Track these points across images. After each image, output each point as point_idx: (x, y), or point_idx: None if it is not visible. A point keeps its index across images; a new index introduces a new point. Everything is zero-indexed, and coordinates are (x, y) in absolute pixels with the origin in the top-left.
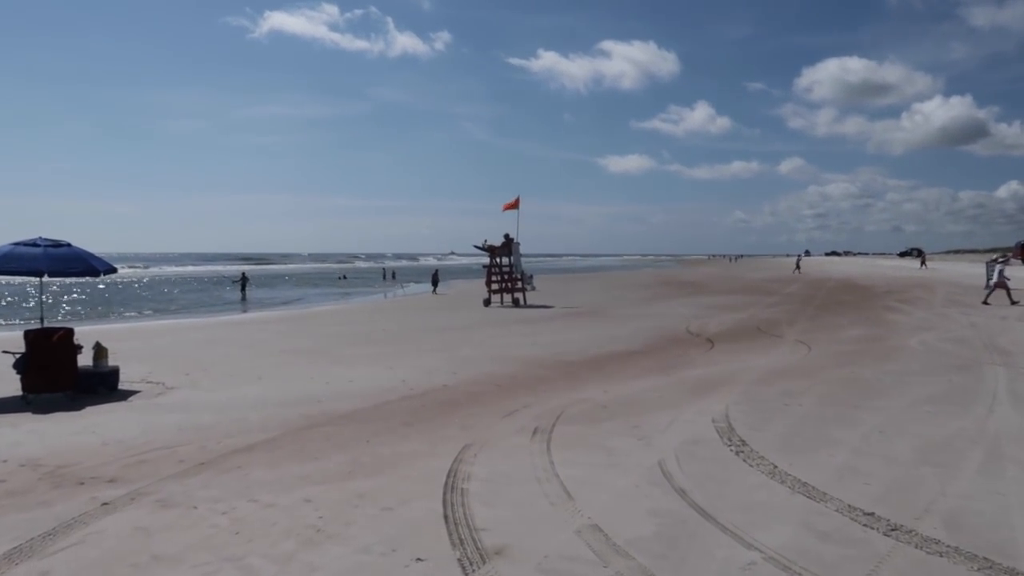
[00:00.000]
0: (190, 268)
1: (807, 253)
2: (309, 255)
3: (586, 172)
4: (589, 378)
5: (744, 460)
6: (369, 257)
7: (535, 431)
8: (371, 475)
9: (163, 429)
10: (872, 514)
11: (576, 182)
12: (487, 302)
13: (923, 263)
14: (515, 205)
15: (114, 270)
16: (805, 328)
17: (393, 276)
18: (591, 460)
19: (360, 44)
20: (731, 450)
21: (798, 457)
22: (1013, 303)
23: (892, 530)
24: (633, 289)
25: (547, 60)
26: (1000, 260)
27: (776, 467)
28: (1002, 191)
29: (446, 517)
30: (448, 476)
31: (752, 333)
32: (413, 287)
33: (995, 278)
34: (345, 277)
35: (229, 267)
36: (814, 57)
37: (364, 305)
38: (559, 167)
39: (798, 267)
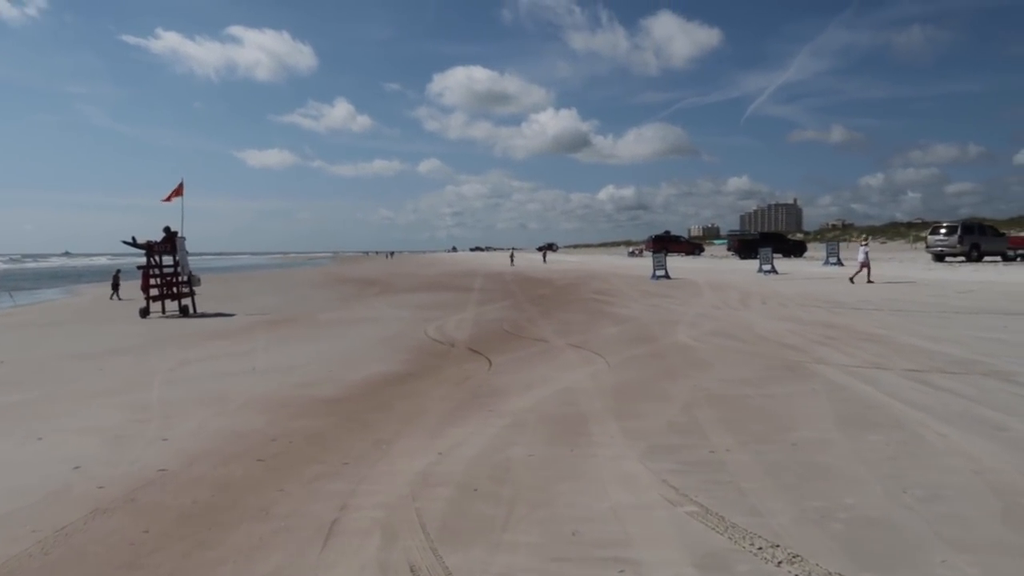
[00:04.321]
0: None
1: (474, 248)
2: None
3: (223, 164)
4: (388, 428)
5: None
6: None
7: None
8: None
9: None
10: None
11: (213, 175)
12: (144, 312)
13: (544, 258)
14: (179, 193)
15: None
16: (556, 329)
17: None
18: None
19: None
20: None
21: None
22: (868, 282)
23: None
24: (313, 289)
25: (169, 41)
26: (863, 243)
27: None
28: (602, 194)
29: None
30: None
31: (507, 338)
32: (43, 293)
33: (861, 258)
34: None
35: None
36: (444, 64)
37: None
38: (192, 157)
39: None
